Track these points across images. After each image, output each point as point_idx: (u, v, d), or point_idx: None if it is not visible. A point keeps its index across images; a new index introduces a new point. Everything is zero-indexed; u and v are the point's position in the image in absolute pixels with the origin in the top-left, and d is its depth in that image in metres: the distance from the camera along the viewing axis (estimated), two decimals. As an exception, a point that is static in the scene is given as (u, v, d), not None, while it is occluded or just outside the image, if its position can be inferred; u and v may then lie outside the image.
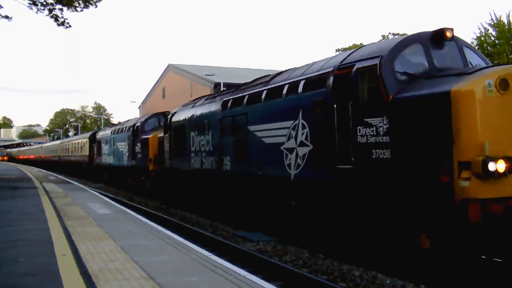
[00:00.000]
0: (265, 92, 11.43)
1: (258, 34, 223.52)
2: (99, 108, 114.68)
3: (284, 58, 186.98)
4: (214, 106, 14.26)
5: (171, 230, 9.62)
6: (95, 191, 19.84)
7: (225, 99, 13.64)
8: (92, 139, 34.54)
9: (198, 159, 15.08)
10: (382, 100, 7.67)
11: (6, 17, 21.03)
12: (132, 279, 5.26)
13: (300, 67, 11.36)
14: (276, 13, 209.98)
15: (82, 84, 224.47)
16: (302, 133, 9.65)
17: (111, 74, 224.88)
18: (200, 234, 11.34)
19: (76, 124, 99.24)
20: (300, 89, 9.91)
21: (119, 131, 27.00)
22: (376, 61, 7.93)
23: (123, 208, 12.76)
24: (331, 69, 9.03)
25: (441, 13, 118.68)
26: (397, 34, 44.94)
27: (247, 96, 12.30)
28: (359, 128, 8.02)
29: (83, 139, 38.66)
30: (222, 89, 16.18)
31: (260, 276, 6.29)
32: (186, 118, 16.36)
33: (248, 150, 11.88)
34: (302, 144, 9.66)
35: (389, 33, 48.22)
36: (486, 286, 6.88)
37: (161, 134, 19.73)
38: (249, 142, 11.79)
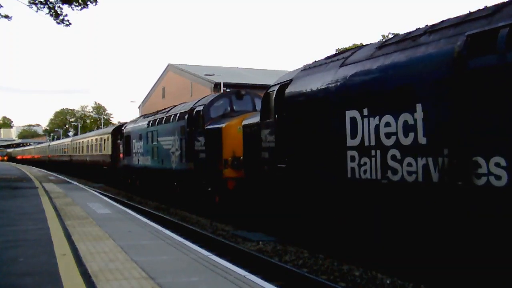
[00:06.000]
0: None
1: (259, 34, 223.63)
2: (99, 108, 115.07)
3: (284, 58, 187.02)
4: (426, 53, 6.77)
5: (171, 230, 9.62)
6: (95, 191, 19.86)
7: (473, 31, 6.08)
8: (117, 135, 27.64)
9: (371, 162, 7.67)
10: None
11: (6, 16, 21.12)
12: (132, 279, 5.26)
13: None
14: (277, 13, 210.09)
15: (82, 84, 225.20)
16: None
17: (111, 74, 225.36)
18: (200, 234, 11.34)
19: (76, 124, 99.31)
20: None
21: (163, 120, 19.20)
22: None
23: (123, 208, 12.75)
24: None
25: (440, 13, 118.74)
26: (397, 34, 45.07)
27: None
28: None
29: (103, 135, 31.23)
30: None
31: (260, 276, 6.28)
32: (325, 87, 8.91)
33: None
34: None
35: (389, 33, 48.32)
36: (486, 286, 6.87)
37: (249, 120, 13.08)
38: None
